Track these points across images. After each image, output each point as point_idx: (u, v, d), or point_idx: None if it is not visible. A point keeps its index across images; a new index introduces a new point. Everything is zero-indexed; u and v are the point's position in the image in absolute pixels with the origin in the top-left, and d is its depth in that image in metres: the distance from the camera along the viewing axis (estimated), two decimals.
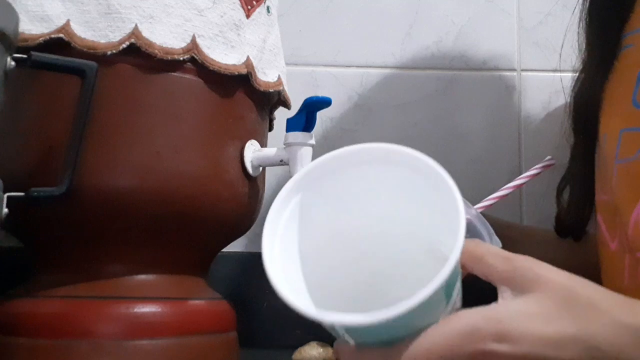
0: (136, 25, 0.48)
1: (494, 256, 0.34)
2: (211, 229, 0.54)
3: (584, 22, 0.61)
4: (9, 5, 0.43)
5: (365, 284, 0.38)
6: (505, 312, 0.33)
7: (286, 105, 0.63)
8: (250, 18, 0.55)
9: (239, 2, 0.54)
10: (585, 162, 0.58)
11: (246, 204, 0.56)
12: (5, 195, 0.44)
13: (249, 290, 0.73)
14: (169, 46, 0.49)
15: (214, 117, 0.52)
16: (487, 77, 0.81)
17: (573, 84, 0.64)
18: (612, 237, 0.52)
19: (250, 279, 0.73)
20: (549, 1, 0.82)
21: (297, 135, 0.55)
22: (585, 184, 0.58)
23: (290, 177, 0.55)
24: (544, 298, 0.33)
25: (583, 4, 0.60)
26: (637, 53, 0.52)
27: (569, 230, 0.63)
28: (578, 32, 0.62)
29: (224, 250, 0.60)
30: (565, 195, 0.63)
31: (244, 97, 0.55)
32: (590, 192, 0.57)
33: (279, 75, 0.59)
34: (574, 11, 0.61)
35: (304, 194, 0.35)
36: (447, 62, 0.81)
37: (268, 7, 0.58)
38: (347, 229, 0.37)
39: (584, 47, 0.60)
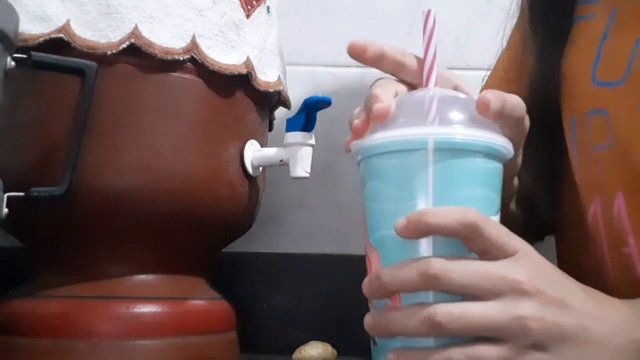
0: (136, 25, 0.48)
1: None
2: (211, 229, 0.54)
3: None
4: (9, 5, 0.43)
5: None
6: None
7: (286, 105, 0.63)
8: (250, 18, 0.55)
9: (239, 2, 0.54)
10: (545, 148, 0.54)
11: (246, 204, 0.56)
12: (5, 195, 0.44)
13: (249, 290, 0.73)
14: (169, 46, 0.49)
15: (214, 117, 0.52)
16: None
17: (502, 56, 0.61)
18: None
19: (250, 279, 0.73)
20: None
21: (297, 135, 0.55)
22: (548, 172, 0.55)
23: (290, 177, 0.55)
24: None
25: None
26: (599, 25, 0.50)
27: (545, 226, 0.59)
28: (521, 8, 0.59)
29: (224, 250, 0.60)
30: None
31: (244, 97, 0.55)
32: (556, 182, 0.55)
33: (279, 75, 0.59)
34: None
35: None
36: (447, 62, 0.81)
37: (268, 7, 0.58)
38: None
39: (530, 24, 0.57)
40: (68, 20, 0.48)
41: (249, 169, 0.55)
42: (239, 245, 0.64)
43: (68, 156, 0.46)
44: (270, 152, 0.56)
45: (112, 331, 0.47)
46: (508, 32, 0.63)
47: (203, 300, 0.54)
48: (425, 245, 0.36)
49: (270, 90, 0.57)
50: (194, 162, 0.51)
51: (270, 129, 0.64)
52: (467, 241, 0.35)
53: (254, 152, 0.55)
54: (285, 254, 0.74)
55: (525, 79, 0.56)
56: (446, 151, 0.36)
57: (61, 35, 0.47)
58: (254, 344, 0.68)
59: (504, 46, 0.64)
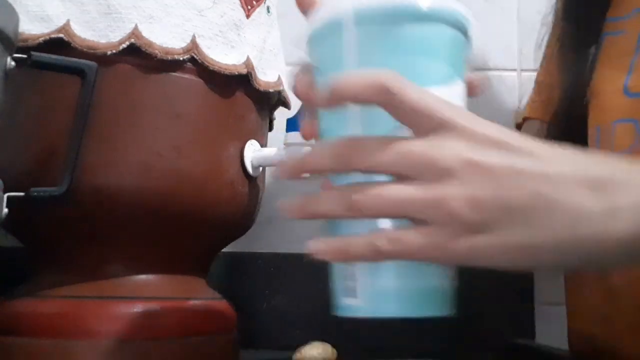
0: (136, 25, 0.48)
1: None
2: (211, 229, 0.54)
3: (560, 10, 0.59)
4: (9, 5, 0.43)
5: None
6: None
7: (286, 105, 0.63)
8: (250, 18, 0.55)
9: (239, 2, 0.54)
10: None
11: (246, 204, 0.56)
12: (5, 195, 0.44)
13: (249, 290, 0.73)
14: (169, 46, 0.49)
15: (214, 117, 0.52)
16: None
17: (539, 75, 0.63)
18: None
19: (250, 279, 0.73)
20: (549, 1, 0.82)
21: (297, 135, 0.55)
22: None
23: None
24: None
25: None
26: (630, 40, 0.51)
27: None
28: (553, 24, 0.61)
29: (224, 250, 0.60)
30: None
31: (244, 97, 0.55)
32: None
33: (279, 75, 0.59)
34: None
35: None
36: None
37: (268, 7, 0.58)
38: None
39: (560, 40, 0.58)
40: (68, 20, 0.48)
41: (249, 169, 0.55)
42: (239, 245, 0.64)
43: (68, 156, 0.46)
44: (270, 152, 0.56)
45: (112, 331, 0.47)
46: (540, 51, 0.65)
47: (203, 300, 0.54)
48: (353, 122, 0.33)
49: (270, 90, 0.57)
50: (194, 162, 0.51)
51: (270, 129, 0.64)
52: (388, 110, 0.31)
53: (254, 152, 0.55)
54: (285, 254, 0.74)
55: (555, 96, 0.57)
56: (368, 18, 0.33)
57: (61, 35, 0.47)
58: (254, 344, 0.68)
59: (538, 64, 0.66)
